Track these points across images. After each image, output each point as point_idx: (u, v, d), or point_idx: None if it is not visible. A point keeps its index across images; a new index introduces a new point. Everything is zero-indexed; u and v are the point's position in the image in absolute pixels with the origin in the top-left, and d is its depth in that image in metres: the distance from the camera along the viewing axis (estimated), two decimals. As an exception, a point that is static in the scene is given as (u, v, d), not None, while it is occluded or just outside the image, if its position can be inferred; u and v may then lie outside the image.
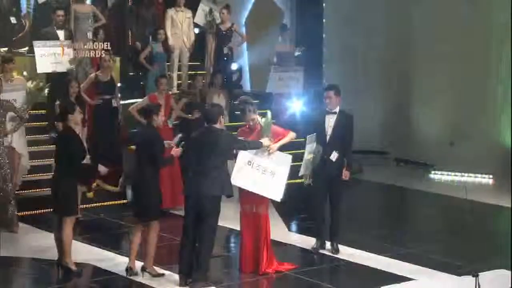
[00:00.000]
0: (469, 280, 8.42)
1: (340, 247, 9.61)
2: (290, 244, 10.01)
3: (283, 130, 8.91)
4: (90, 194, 9.67)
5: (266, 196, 8.64)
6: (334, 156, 9.37)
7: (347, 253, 9.54)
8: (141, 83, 14.40)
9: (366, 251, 9.62)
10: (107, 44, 12.16)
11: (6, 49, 13.53)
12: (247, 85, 16.93)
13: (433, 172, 14.56)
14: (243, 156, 8.54)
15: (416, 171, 14.75)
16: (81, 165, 8.62)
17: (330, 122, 9.49)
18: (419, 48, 15.32)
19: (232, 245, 10.15)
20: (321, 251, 9.56)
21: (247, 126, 8.83)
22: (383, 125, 15.89)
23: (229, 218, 9.58)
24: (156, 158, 8.41)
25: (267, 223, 8.78)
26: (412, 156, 15.21)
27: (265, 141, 8.54)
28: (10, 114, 10.39)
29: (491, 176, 14.08)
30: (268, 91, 16.13)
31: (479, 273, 8.53)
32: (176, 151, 8.58)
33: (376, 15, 16.05)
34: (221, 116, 8.41)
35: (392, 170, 15.05)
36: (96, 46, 12.21)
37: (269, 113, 8.79)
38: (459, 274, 8.75)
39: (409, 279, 8.62)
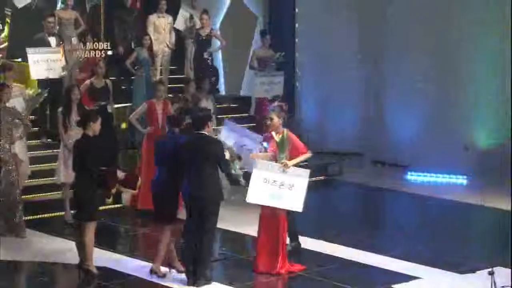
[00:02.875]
0: (472, 277, 9.11)
1: (342, 247, 10.12)
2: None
3: (303, 146, 9.33)
4: (109, 201, 9.98)
5: (285, 208, 9.09)
6: None
7: (350, 252, 10.00)
8: (123, 87, 14.63)
9: (367, 250, 10.08)
10: (107, 45, 12.37)
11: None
12: (222, 88, 17.27)
13: (409, 173, 14.99)
14: (258, 175, 9.04)
15: (392, 172, 15.11)
16: (100, 171, 8.91)
17: None
18: (393, 52, 15.63)
19: (243, 247, 10.52)
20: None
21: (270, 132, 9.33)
22: (359, 127, 16.17)
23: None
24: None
25: (285, 224, 9.22)
26: (387, 158, 15.56)
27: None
28: (14, 121, 10.56)
29: (465, 177, 14.58)
30: (243, 95, 16.71)
31: (477, 271, 9.24)
32: None
33: (349, 18, 16.37)
34: (209, 121, 8.85)
35: (369, 171, 15.39)
36: (96, 46, 12.43)
37: (285, 131, 9.23)
38: (461, 272, 9.30)
39: (416, 278, 9.12)
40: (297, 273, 9.26)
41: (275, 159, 9.19)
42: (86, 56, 12.87)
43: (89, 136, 9.00)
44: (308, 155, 9.33)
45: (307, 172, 9.17)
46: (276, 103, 9.51)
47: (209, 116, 8.98)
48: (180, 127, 9.19)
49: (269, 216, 9.19)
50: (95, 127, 8.99)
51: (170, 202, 8.98)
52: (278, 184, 9.02)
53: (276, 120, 9.20)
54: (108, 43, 12.63)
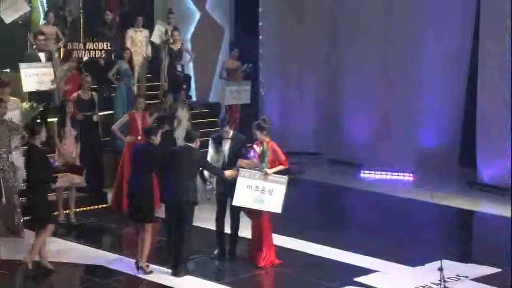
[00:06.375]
0: (422, 269, 9.57)
1: (305, 243, 10.52)
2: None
3: (285, 159, 9.75)
4: None
5: (266, 211, 9.54)
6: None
7: (312, 248, 10.39)
8: (104, 94, 14.82)
9: (328, 246, 10.44)
10: (107, 44, 13.13)
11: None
12: (193, 95, 17.55)
13: (362, 171, 15.37)
14: (242, 181, 9.51)
15: (347, 171, 15.46)
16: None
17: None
18: (349, 61, 15.98)
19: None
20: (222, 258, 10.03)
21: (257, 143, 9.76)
22: (316, 129, 16.58)
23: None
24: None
25: (268, 223, 9.67)
26: (342, 157, 15.93)
27: (228, 172, 9.55)
28: (12, 133, 10.75)
29: (411, 174, 15.05)
30: (212, 101, 17.08)
31: (426, 264, 9.69)
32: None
33: (308, 29, 16.72)
34: (198, 139, 9.46)
35: (325, 169, 15.74)
36: (96, 46, 13.14)
37: (265, 144, 9.65)
38: (413, 265, 9.73)
39: (374, 271, 9.51)
40: (277, 266, 9.67)
41: (258, 166, 9.64)
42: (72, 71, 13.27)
43: (34, 145, 9.35)
44: (284, 167, 9.74)
45: (285, 179, 9.63)
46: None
47: (200, 136, 9.56)
48: (155, 136, 9.52)
49: (254, 216, 9.71)
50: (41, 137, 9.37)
51: (148, 202, 9.38)
52: (260, 190, 9.50)
53: (258, 134, 9.64)
54: (109, 43, 13.58)
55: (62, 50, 15.01)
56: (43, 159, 9.41)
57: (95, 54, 13.69)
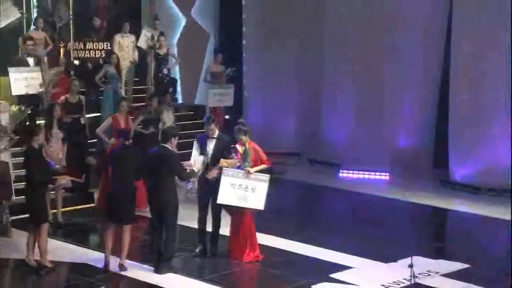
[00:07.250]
0: (395, 265, 9.62)
1: (289, 241, 10.55)
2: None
3: (266, 158, 9.86)
4: None
5: (250, 207, 9.61)
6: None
7: (292, 245, 10.44)
8: (93, 97, 14.82)
9: (307, 243, 10.48)
10: (107, 44, 13.42)
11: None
12: (179, 98, 17.58)
13: (341, 171, 15.41)
14: (226, 180, 9.54)
15: (326, 171, 15.49)
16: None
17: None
18: (327, 63, 16.04)
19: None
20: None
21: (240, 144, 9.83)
22: (297, 130, 16.65)
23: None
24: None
25: (251, 220, 9.74)
26: (322, 157, 15.97)
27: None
28: (0, 135, 10.76)
29: (387, 174, 15.12)
30: (198, 103, 17.10)
31: (399, 260, 9.75)
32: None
33: (289, 34, 16.72)
34: (173, 137, 9.36)
35: (306, 169, 15.76)
36: (96, 46, 13.44)
37: (247, 144, 9.70)
38: (386, 262, 9.79)
39: (349, 267, 9.57)
40: (257, 263, 9.73)
41: (241, 164, 9.71)
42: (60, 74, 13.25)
43: (34, 148, 9.37)
44: (267, 166, 9.86)
45: (267, 177, 9.72)
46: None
47: (175, 134, 9.45)
48: (129, 140, 9.54)
49: (236, 214, 9.75)
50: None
51: (127, 205, 9.33)
52: (243, 188, 9.56)
53: (244, 138, 9.74)
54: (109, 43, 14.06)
55: (62, 50, 15.03)
56: (41, 160, 9.40)
57: (95, 54, 13.90)
